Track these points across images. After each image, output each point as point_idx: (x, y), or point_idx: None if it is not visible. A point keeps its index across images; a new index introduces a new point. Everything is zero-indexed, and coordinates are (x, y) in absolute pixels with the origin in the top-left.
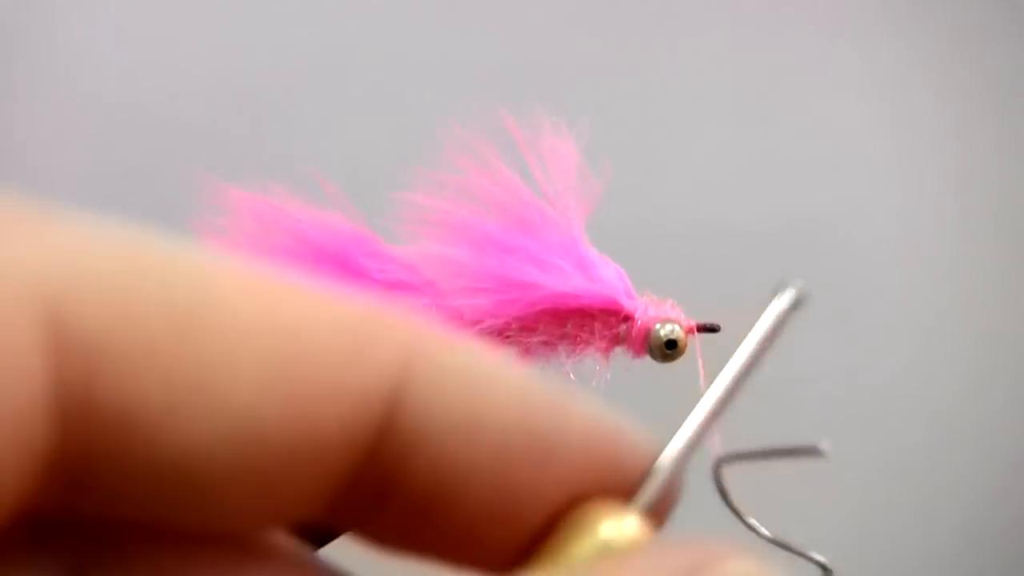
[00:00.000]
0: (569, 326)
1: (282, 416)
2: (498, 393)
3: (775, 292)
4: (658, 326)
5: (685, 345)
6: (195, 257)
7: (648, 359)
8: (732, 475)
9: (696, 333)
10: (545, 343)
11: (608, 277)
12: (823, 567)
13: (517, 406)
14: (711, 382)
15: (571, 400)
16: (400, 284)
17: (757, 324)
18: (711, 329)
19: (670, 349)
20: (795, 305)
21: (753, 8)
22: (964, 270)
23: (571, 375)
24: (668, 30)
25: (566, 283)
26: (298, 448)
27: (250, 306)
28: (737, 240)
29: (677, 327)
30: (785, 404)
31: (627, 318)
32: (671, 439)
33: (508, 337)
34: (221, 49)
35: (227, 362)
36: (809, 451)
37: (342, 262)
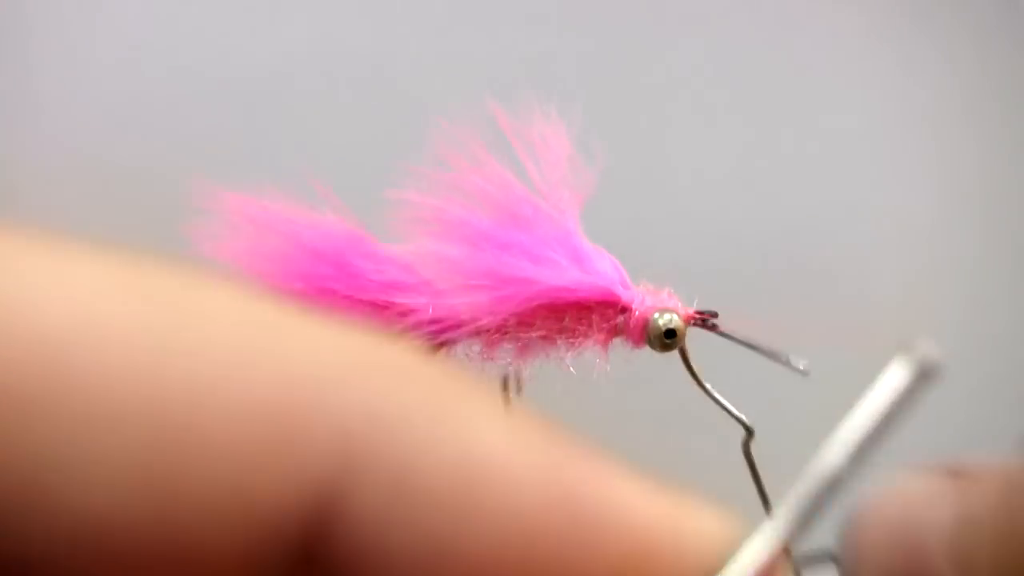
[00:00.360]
0: (567, 320)
1: (147, 527)
2: (487, 504)
3: (895, 356)
4: (656, 315)
5: (684, 334)
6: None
7: (646, 350)
8: None
9: (694, 321)
10: (543, 338)
11: (603, 269)
12: (745, 427)
13: (514, 523)
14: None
15: (604, 497)
16: (396, 284)
17: (866, 402)
18: (708, 316)
19: (669, 338)
20: (920, 379)
21: (753, 3)
22: (967, 271)
23: (570, 369)
24: (665, 24)
25: (562, 277)
26: (173, 562)
27: (120, 357)
28: (733, 231)
29: (675, 316)
30: (785, 404)
31: (624, 309)
32: (745, 546)
33: (506, 334)
34: (214, 50)
35: (70, 446)
36: (789, 364)
37: (337, 264)
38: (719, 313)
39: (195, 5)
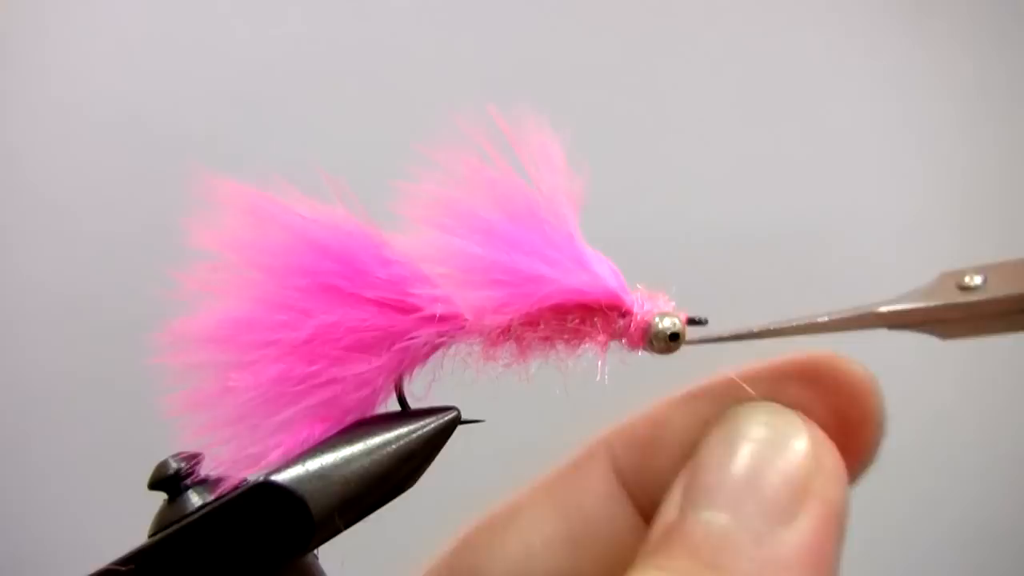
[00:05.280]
0: (571, 321)
1: None
2: None
3: None
4: (657, 319)
5: (685, 336)
6: None
7: (634, 353)
8: None
9: (685, 325)
10: (544, 339)
11: (604, 273)
12: None
13: None
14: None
15: None
16: (404, 282)
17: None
18: (700, 322)
19: (672, 341)
20: None
21: (753, 7)
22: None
23: (570, 368)
24: (667, 29)
25: (573, 278)
26: None
27: None
28: (729, 234)
29: (677, 320)
30: None
31: (626, 313)
32: None
33: (510, 332)
34: (226, 44)
35: None
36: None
37: (343, 260)
38: (707, 320)
39: (211, 4)
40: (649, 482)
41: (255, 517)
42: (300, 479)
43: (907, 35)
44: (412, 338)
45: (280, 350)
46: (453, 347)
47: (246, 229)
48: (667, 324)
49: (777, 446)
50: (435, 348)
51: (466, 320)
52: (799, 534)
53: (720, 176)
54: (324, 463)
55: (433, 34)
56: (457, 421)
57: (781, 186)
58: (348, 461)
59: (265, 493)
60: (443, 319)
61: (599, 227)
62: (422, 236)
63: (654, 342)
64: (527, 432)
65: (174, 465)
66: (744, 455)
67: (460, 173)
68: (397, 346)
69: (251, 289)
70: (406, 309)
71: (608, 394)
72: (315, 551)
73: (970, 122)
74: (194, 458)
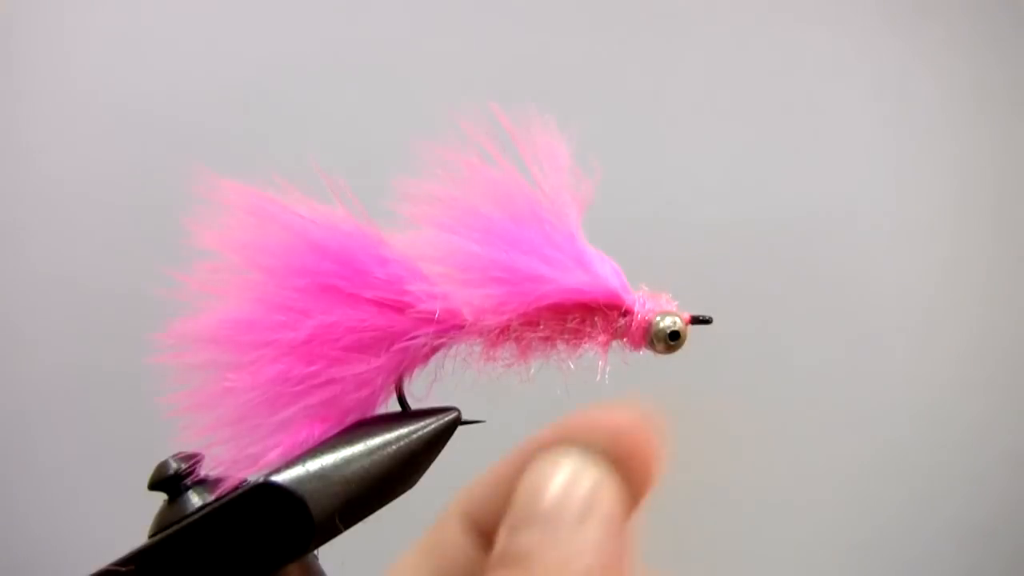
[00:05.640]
0: (571, 321)
1: None
2: None
3: None
4: (658, 318)
5: (687, 335)
6: None
7: (636, 352)
8: None
9: (690, 325)
10: (545, 339)
11: (605, 272)
12: None
13: None
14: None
15: None
16: (401, 280)
17: None
18: (704, 321)
19: (673, 340)
20: None
21: (754, 9)
22: (960, 268)
23: (571, 368)
24: (667, 27)
25: (571, 278)
26: None
27: None
28: (733, 236)
29: (678, 319)
30: (782, 397)
31: (627, 312)
32: None
33: (510, 331)
34: (225, 44)
35: None
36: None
37: (342, 260)
38: (712, 319)
39: (211, 4)
40: (491, 524)
41: (255, 518)
42: (300, 480)
43: (905, 37)
44: (411, 338)
45: (279, 350)
46: (454, 348)
47: (247, 229)
48: (668, 323)
49: (569, 477)
50: (435, 349)
51: (465, 319)
52: (589, 533)
53: (721, 176)
54: (324, 464)
55: (434, 34)
56: (458, 422)
57: (782, 187)
58: (348, 462)
59: (265, 494)
60: (441, 318)
61: (603, 227)
62: (421, 235)
63: (655, 342)
64: (527, 432)
65: (174, 465)
66: (546, 488)
67: (461, 172)
68: (396, 346)
69: (251, 289)
70: (404, 309)
71: (608, 394)
72: (315, 551)
73: (967, 123)
74: (194, 458)
